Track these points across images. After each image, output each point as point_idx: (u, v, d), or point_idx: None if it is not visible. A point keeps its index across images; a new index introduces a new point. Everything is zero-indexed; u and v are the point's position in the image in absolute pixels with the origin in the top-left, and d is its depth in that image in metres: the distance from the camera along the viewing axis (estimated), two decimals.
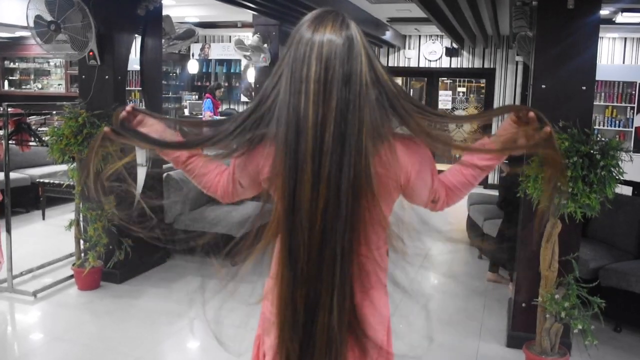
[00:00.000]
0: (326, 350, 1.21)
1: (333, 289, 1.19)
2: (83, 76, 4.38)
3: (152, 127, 1.43)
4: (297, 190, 1.16)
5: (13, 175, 5.61)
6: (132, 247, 4.31)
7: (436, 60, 9.90)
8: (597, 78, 3.65)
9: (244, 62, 10.64)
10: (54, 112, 5.19)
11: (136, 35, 4.82)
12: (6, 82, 11.60)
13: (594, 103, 4.02)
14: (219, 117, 8.43)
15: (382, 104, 1.21)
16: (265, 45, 7.16)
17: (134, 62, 5.82)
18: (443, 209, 1.44)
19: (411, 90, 11.15)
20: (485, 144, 1.44)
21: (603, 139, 2.95)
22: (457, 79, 10.48)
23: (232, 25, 10.21)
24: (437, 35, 9.68)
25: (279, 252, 1.22)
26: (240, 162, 1.32)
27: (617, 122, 8.85)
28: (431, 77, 10.23)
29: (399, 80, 10.98)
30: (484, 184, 9.72)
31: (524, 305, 3.46)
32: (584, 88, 3.28)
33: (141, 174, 4.60)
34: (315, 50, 1.15)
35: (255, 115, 1.24)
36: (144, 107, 7.05)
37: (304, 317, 1.20)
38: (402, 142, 1.26)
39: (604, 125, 8.83)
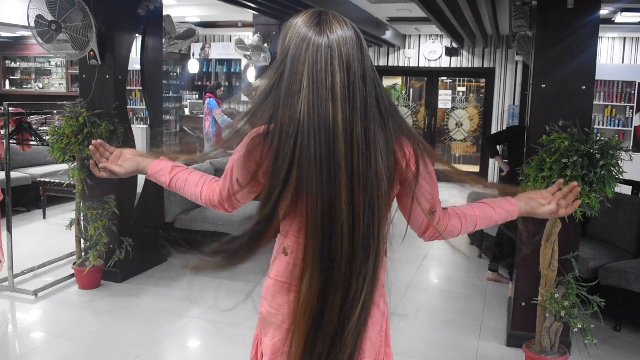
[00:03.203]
0: (351, 353, 1.22)
1: (362, 293, 1.19)
2: (84, 76, 4.39)
3: (132, 154, 1.51)
4: (335, 197, 1.15)
5: (14, 174, 5.63)
6: (133, 246, 4.32)
7: (436, 60, 9.91)
8: (596, 78, 3.65)
9: (244, 61, 10.64)
10: (55, 112, 5.20)
11: (137, 35, 4.83)
12: (7, 82, 11.60)
13: (594, 102, 4.02)
14: (226, 118, 8.41)
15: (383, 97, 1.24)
16: (266, 45, 7.17)
17: (134, 62, 5.84)
18: (438, 233, 1.37)
19: (411, 89, 11.15)
20: (507, 200, 1.45)
21: (603, 139, 2.95)
22: (457, 79, 10.48)
23: (233, 25, 10.22)
24: (437, 35, 9.68)
25: (307, 260, 1.19)
26: (239, 159, 1.31)
27: (617, 121, 8.85)
28: (431, 76, 10.23)
29: (398, 80, 10.99)
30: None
31: (523, 304, 3.47)
32: (583, 88, 3.28)
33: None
34: (336, 57, 1.16)
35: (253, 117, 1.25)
36: (144, 107, 7.04)
37: (337, 324, 1.19)
38: (404, 136, 1.27)
39: (603, 125, 8.84)
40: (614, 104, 8.81)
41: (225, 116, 8.47)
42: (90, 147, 1.49)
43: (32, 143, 4.95)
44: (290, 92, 1.18)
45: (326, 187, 1.15)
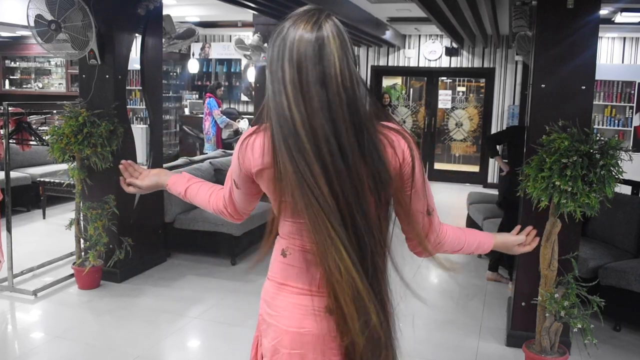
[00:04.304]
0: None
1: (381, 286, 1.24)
2: (83, 75, 4.39)
3: (155, 172, 1.66)
4: (314, 185, 1.15)
5: (14, 174, 5.63)
6: (132, 246, 4.32)
7: (436, 60, 9.91)
8: (596, 77, 3.65)
9: (244, 61, 10.64)
10: (55, 112, 5.20)
11: (136, 34, 4.82)
12: (7, 82, 11.60)
13: (594, 102, 4.02)
14: (224, 118, 8.43)
15: (362, 103, 1.20)
16: (266, 44, 7.17)
17: (134, 62, 5.84)
18: (439, 239, 1.39)
19: (411, 89, 11.15)
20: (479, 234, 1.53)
21: (602, 139, 2.95)
22: (457, 79, 10.48)
23: (233, 24, 10.22)
24: (437, 35, 9.68)
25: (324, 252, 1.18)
26: (233, 159, 1.34)
27: (617, 121, 8.85)
28: (431, 76, 10.23)
29: (398, 80, 10.98)
30: (484, 183, 9.73)
31: (523, 304, 3.47)
32: (583, 87, 3.28)
33: None
34: (287, 52, 1.16)
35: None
36: (144, 107, 7.04)
37: (378, 315, 1.21)
38: (391, 132, 1.25)
39: (603, 125, 8.84)
40: (614, 103, 8.81)
41: (224, 116, 8.47)
42: (120, 166, 1.64)
43: (31, 143, 4.95)
44: (269, 85, 1.22)
45: (305, 174, 1.15)
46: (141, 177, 1.64)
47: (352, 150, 1.16)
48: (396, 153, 1.23)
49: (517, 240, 1.58)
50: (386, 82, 10.84)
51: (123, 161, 1.65)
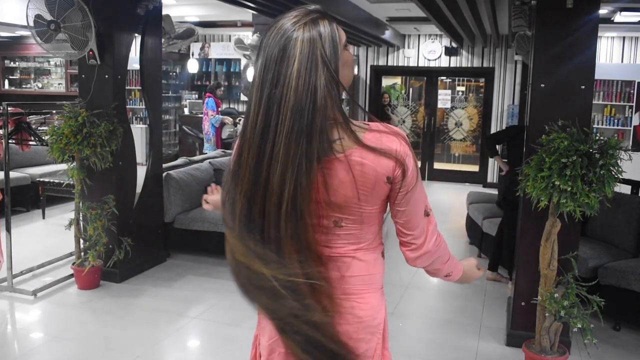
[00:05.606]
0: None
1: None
2: (83, 75, 4.38)
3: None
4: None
5: (13, 174, 5.62)
6: (132, 246, 4.32)
7: (435, 60, 9.91)
8: (595, 77, 3.65)
9: (243, 61, 10.64)
10: (54, 112, 5.19)
11: (136, 34, 4.82)
12: (6, 81, 11.60)
13: (593, 102, 4.02)
14: (218, 117, 8.44)
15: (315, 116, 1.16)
16: None
17: (133, 61, 5.84)
18: (438, 240, 1.40)
19: (410, 89, 11.14)
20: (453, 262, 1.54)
21: (602, 138, 2.95)
22: (457, 78, 10.47)
23: (232, 24, 10.22)
24: (437, 35, 9.68)
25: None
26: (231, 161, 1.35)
27: (616, 121, 8.86)
28: (430, 76, 10.23)
29: (398, 80, 10.97)
30: (483, 182, 9.73)
31: (523, 304, 3.47)
32: (582, 87, 3.28)
33: (141, 172, 4.66)
34: (262, 51, 1.20)
35: None
36: (144, 107, 7.02)
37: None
38: (382, 135, 1.25)
39: (602, 124, 8.84)
40: (613, 103, 8.81)
41: (218, 115, 8.48)
42: (208, 188, 1.78)
43: (31, 143, 4.94)
44: None
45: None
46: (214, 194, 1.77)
47: (277, 154, 1.16)
48: (374, 165, 1.22)
49: (477, 262, 1.64)
50: (386, 81, 10.84)
51: (213, 184, 1.79)
